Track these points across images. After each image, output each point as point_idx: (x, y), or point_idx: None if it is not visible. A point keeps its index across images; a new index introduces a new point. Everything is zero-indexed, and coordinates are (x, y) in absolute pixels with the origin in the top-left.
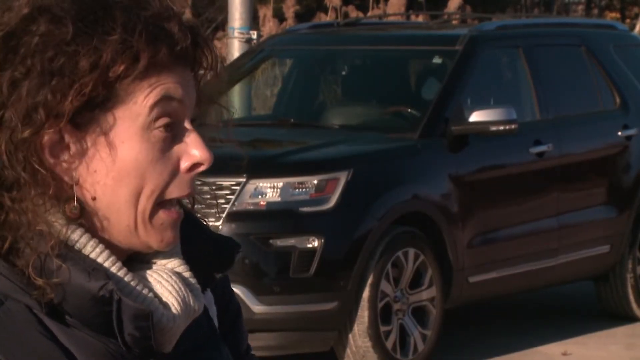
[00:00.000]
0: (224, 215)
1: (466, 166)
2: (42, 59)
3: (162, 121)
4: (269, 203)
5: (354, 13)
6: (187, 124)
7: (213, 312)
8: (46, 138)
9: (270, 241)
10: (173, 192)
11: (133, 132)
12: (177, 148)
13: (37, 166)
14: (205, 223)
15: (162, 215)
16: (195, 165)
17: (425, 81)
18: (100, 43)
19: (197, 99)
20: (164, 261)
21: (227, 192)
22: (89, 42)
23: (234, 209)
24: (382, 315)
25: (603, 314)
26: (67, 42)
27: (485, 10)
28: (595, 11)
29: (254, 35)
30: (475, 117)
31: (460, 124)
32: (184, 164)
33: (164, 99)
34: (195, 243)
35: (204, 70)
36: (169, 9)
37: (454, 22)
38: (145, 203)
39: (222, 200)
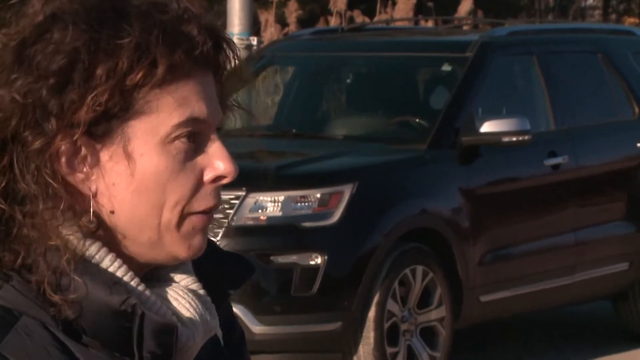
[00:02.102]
0: (222, 230)
1: (477, 179)
2: (55, 67)
3: (185, 134)
4: (269, 218)
5: (359, 18)
6: (211, 135)
7: (219, 333)
8: (62, 148)
9: (271, 258)
10: (199, 204)
11: (153, 145)
12: (200, 159)
13: (48, 179)
14: (213, 240)
15: (193, 219)
16: (219, 178)
17: (434, 90)
18: (115, 49)
19: (221, 105)
20: (177, 279)
21: (226, 206)
22: (103, 49)
23: (233, 224)
24: (388, 336)
25: (622, 334)
26: (80, 49)
27: (498, 15)
28: (613, 16)
29: (254, 41)
30: (487, 127)
31: (471, 135)
32: (207, 176)
33: (189, 120)
34: (204, 261)
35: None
36: (188, 11)
37: (465, 27)
38: (169, 215)
39: (221, 215)
